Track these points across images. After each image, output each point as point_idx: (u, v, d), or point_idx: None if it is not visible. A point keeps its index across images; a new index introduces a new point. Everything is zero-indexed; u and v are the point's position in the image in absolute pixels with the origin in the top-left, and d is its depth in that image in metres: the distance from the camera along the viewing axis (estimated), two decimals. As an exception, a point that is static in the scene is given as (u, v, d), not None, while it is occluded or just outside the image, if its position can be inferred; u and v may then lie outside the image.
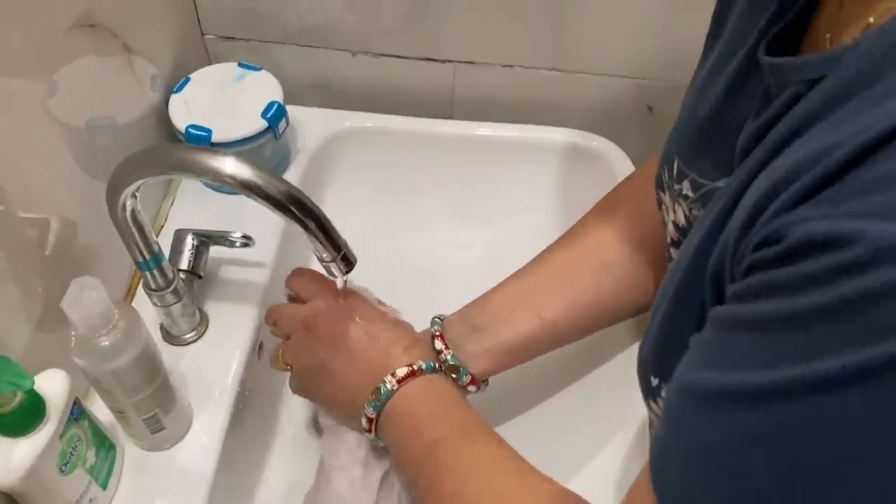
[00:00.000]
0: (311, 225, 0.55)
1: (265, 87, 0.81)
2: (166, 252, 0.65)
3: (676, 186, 0.52)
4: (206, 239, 0.71)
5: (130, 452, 0.64)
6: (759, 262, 0.32)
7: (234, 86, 0.81)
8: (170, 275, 0.65)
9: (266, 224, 0.76)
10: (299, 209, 0.54)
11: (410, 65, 0.91)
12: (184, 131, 0.76)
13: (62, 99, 0.63)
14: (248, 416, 0.71)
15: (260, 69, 0.82)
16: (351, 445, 0.64)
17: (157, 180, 0.70)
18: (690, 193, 0.51)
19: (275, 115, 0.78)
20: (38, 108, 0.61)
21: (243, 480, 0.72)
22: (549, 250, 0.69)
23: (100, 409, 0.62)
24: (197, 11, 0.89)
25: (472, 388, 0.64)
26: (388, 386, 0.59)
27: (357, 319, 0.63)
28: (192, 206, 0.80)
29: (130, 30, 0.72)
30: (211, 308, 0.73)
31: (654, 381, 0.47)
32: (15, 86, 0.59)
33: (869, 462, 0.27)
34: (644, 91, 0.89)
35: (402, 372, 0.59)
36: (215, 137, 0.76)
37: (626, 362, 0.73)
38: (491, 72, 0.90)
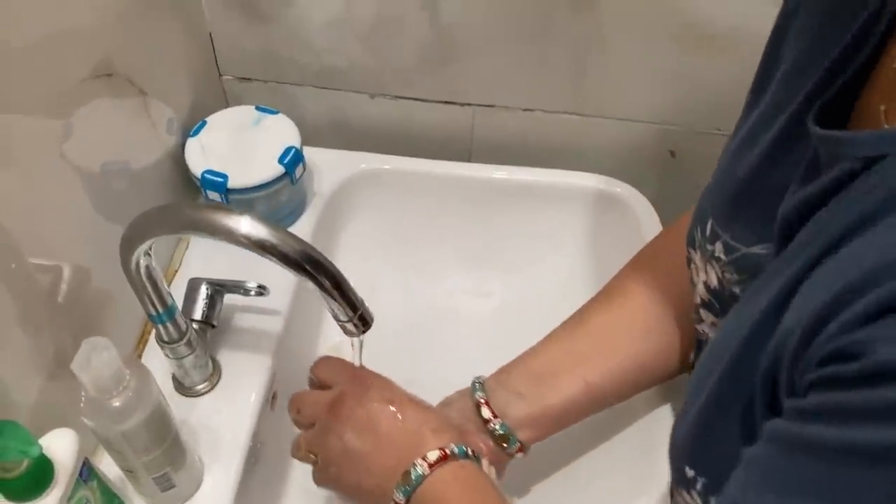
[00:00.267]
0: (328, 284, 0.53)
1: (282, 132, 0.80)
2: (179, 301, 0.64)
3: (709, 247, 0.51)
4: (220, 288, 0.70)
5: (140, 510, 0.63)
6: (828, 379, 0.29)
7: (252, 129, 0.80)
8: (183, 326, 0.63)
9: (281, 271, 0.73)
10: (315, 269, 0.52)
11: (429, 107, 0.90)
12: (200, 176, 0.75)
13: (77, 143, 0.63)
14: (261, 470, 0.69)
15: (277, 112, 0.82)
16: None
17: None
18: (723, 256, 0.49)
19: (292, 161, 0.77)
20: (53, 153, 0.61)
21: (255, 537, 0.70)
22: (589, 312, 0.68)
23: (109, 466, 0.61)
24: (215, 53, 0.88)
25: (519, 455, 0.62)
26: (419, 470, 0.55)
27: (384, 401, 0.60)
28: (206, 252, 0.79)
29: (148, 75, 0.72)
30: (224, 357, 0.72)
31: (690, 473, 0.44)
32: (29, 130, 0.58)
33: None
34: (666, 136, 0.88)
35: (433, 456, 0.56)
36: (231, 183, 0.75)
37: (648, 424, 0.71)
38: (511, 115, 0.89)
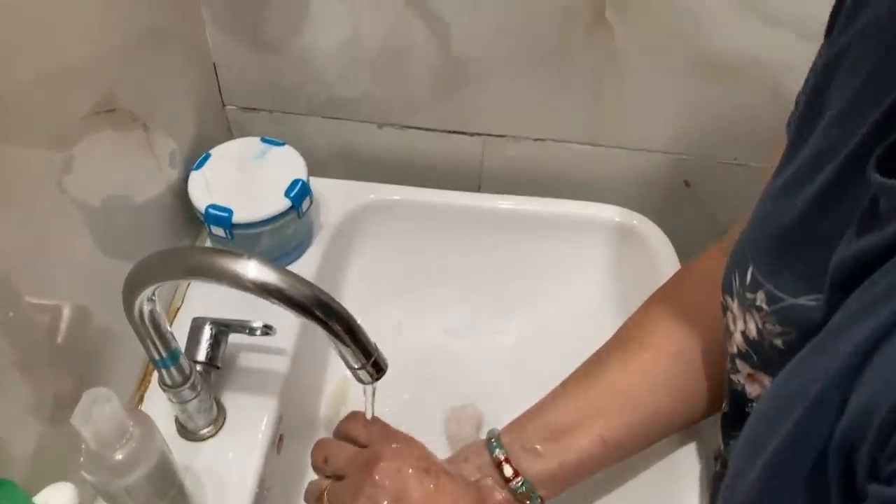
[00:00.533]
0: (339, 329, 0.51)
1: (288, 164, 0.78)
2: (182, 340, 0.62)
3: (749, 296, 0.48)
4: (224, 328, 0.68)
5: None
6: None
7: (257, 162, 0.78)
8: (187, 370, 0.61)
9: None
10: (326, 314, 0.50)
11: (438, 137, 0.88)
12: (203, 211, 0.73)
13: (77, 178, 0.61)
14: (266, 517, 0.67)
15: (283, 144, 0.80)
16: None
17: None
18: (765, 306, 0.47)
19: (298, 194, 0.75)
20: (53, 188, 0.58)
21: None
22: (606, 361, 0.65)
23: (109, 517, 0.58)
24: (219, 82, 0.86)
25: None
26: None
27: (420, 470, 0.59)
28: (209, 289, 0.76)
29: (151, 108, 0.70)
30: (228, 399, 0.69)
31: None
32: (29, 166, 0.56)
33: None
34: (681, 166, 0.86)
35: None
36: (236, 218, 0.72)
37: (668, 466, 0.69)
38: (521, 145, 0.87)
